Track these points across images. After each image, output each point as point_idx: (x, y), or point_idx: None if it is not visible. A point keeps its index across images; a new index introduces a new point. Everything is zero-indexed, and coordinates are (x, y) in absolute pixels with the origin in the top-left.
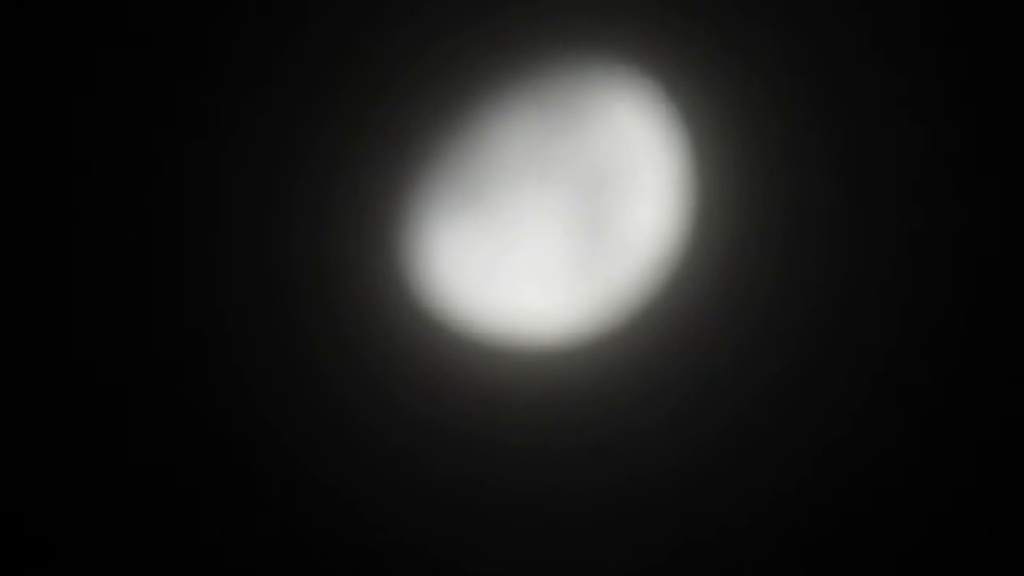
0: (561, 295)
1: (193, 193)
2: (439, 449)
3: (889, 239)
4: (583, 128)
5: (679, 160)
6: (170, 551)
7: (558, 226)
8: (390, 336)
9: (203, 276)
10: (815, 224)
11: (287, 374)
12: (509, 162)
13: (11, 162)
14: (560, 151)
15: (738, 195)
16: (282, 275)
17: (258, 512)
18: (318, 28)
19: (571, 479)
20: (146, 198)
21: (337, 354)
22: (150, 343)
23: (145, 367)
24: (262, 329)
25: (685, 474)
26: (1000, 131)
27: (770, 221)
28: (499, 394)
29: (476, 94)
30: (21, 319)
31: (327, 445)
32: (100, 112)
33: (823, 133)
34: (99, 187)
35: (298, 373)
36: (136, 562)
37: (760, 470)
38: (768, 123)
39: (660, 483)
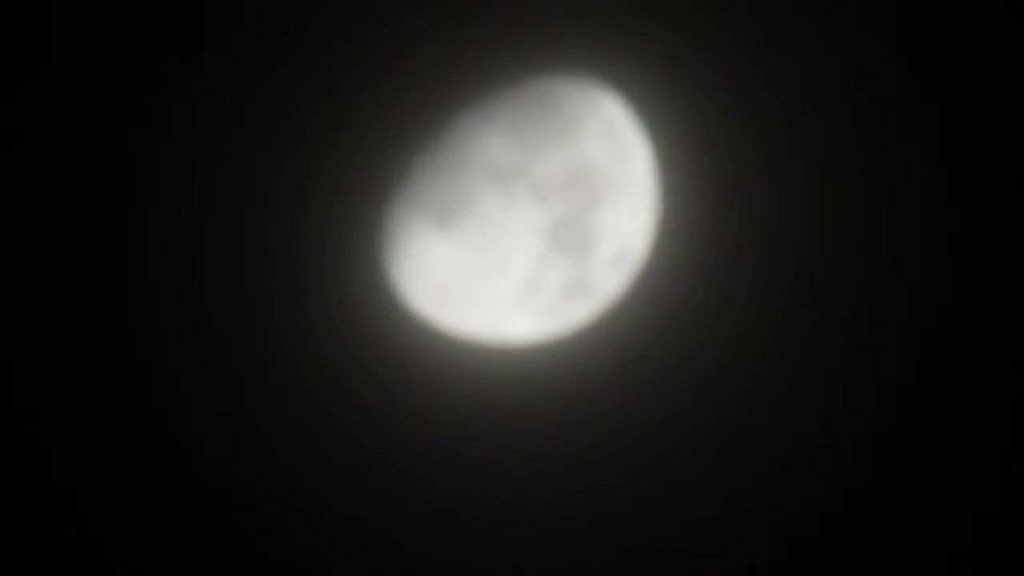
0: (539, 296)
1: (170, 193)
2: (414, 453)
3: (860, 242)
4: (562, 136)
5: (656, 166)
6: (142, 549)
7: (536, 230)
8: (369, 339)
9: (180, 281)
10: (787, 229)
11: (263, 376)
12: (488, 168)
13: None
14: (539, 158)
15: (713, 199)
16: (260, 281)
17: (233, 515)
18: (302, 34)
19: (548, 484)
20: (124, 201)
21: (313, 357)
22: (125, 344)
23: (121, 371)
24: (239, 333)
25: (660, 475)
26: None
27: (744, 225)
28: (476, 394)
29: (456, 103)
30: None
31: (303, 449)
32: (74, 116)
33: (796, 142)
34: (75, 187)
35: (273, 373)
36: (106, 558)
37: (736, 471)
38: (742, 132)
39: (636, 484)
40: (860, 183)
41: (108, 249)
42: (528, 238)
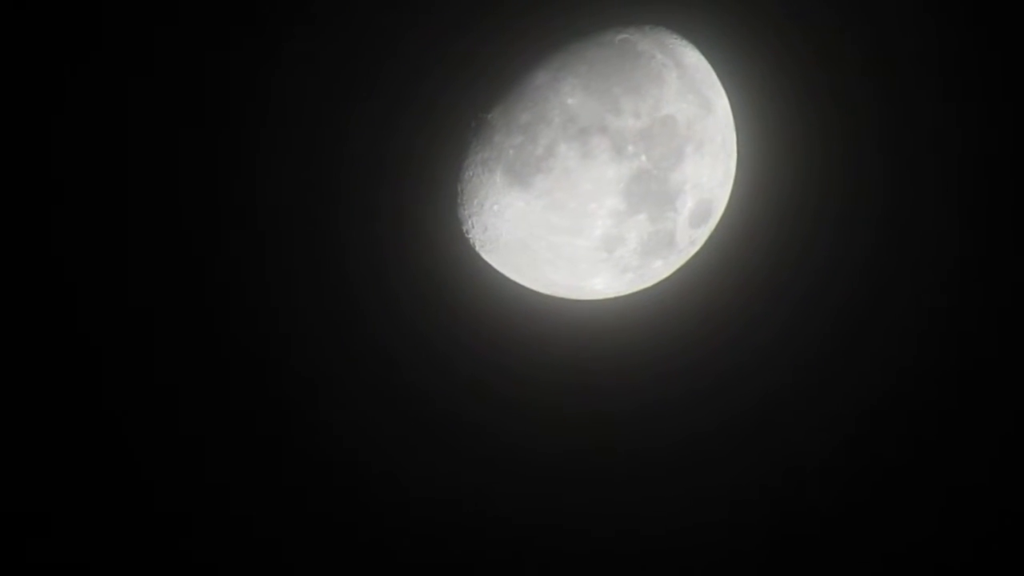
0: (618, 252)
1: (247, 147)
2: (491, 407)
3: (936, 198)
4: (641, 91)
5: (736, 120)
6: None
7: (615, 186)
8: (448, 293)
9: (247, 236)
10: (866, 183)
11: (339, 332)
12: (566, 124)
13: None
14: (618, 113)
15: (793, 154)
16: (335, 236)
17: (302, 466)
18: None
19: (627, 435)
20: (200, 145)
21: (391, 311)
22: (197, 295)
23: (193, 321)
24: (312, 288)
25: (729, 431)
26: None
27: (825, 179)
28: (555, 348)
29: (534, 58)
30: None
31: (379, 406)
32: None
33: (875, 96)
34: (143, 137)
35: (351, 330)
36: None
37: (800, 432)
38: (820, 84)
39: (711, 438)
40: (936, 137)
41: (181, 195)
42: (607, 194)
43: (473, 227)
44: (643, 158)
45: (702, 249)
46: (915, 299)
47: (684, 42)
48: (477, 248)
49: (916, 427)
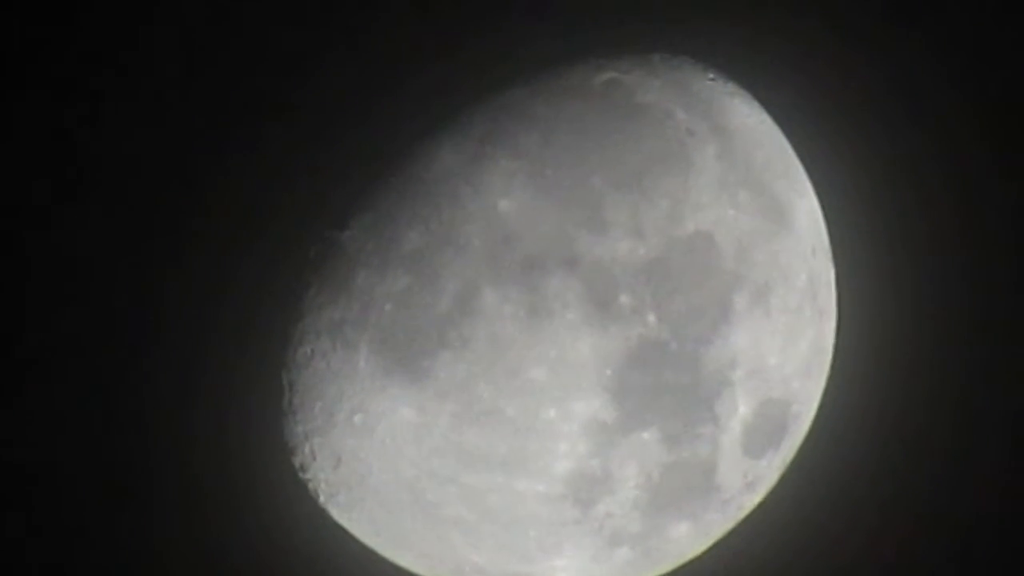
0: (600, 504)
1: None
2: None
3: None
4: (649, 184)
5: (835, 248)
6: None
7: (593, 373)
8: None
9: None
10: None
11: None
12: (500, 245)
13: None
14: (601, 227)
15: (940, 311)
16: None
17: None
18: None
19: None
20: None
21: None
22: None
23: None
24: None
25: None
26: None
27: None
28: None
29: (443, 115)
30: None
31: None
32: None
33: None
34: None
35: None
36: None
37: None
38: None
39: None
40: None
41: None
42: (581, 390)
43: (314, 460)
44: (651, 318)
45: (770, 498)
46: None
47: (730, 85)
48: (322, 502)
49: None
